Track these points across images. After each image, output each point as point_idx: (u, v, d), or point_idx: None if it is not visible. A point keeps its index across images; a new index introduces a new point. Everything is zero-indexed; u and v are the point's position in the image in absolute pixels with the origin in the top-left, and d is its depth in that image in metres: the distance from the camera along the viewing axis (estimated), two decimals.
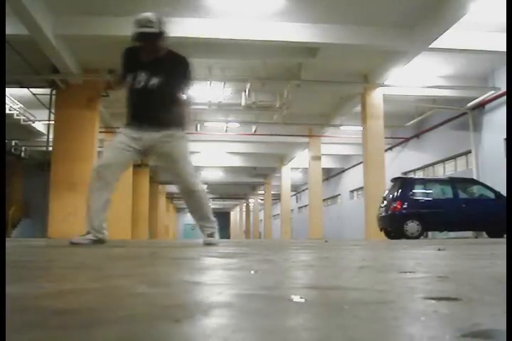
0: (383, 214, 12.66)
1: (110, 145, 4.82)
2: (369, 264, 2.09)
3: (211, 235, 4.82)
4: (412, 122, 19.68)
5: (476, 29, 12.11)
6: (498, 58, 13.30)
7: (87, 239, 4.51)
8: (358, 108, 16.60)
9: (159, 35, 4.50)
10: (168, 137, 4.60)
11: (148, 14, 4.49)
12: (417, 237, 11.85)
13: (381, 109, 15.52)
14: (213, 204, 58.92)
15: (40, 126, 20.11)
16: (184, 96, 4.83)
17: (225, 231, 62.50)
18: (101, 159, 4.78)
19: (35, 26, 10.53)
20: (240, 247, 4.49)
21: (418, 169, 22.32)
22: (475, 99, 16.44)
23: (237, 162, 28.57)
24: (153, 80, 4.57)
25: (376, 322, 0.71)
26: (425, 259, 2.52)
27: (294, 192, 39.34)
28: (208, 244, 4.68)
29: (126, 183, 20.41)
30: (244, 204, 54.73)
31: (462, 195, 12.71)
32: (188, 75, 4.69)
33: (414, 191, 12.74)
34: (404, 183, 12.88)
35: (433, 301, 0.90)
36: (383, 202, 12.88)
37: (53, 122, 14.93)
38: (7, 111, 17.34)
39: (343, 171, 31.05)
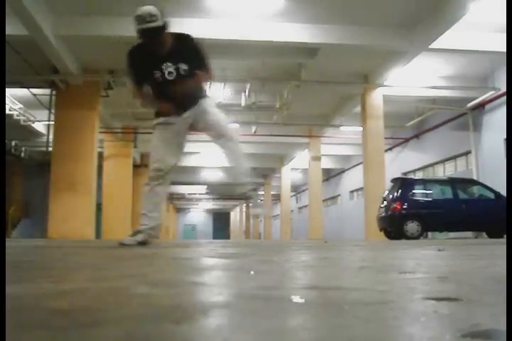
0: (383, 214, 12.65)
1: (157, 144, 4.77)
2: (369, 264, 2.09)
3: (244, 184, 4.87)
4: (412, 122, 19.68)
5: (475, 29, 12.11)
6: (498, 58, 13.31)
7: (136, 240, 4.51)
8: (358, 108, 16.60)
9: (164, 27, 4.43)
10: (201, 109, 4.73)
11: (148, 8, 4.37)
12: (417, 238, 11.84)
13: (381, 109, 15.52)
14: (213, 205, 58.95)
15: (40, 127, 20.11)
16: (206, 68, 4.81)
17: (224, 231, 62.51)
18: (156, 158, 4.75)
19: (35, 26, 10.53)
20: (240, 248, 4.49)
21: (418, 169, 22.32)
22: (475, 99, 16.44)
23: None
24: (182, 67, 4.57)
25: (376, 322, 0.71)
26: (425, 260, 2.52)
27: (293, 193, 39.32)
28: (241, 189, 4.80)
29: (126, 183, 20.42)
30: (244, 205, 54.73)
31: (462, 196, 12.71)
32: (201, 49, 4.76)
33: (414, 191, 12.73)
34: (404, 184, 12.87)
35: (433, 301, 0.90)
36: (383, 203, 12.87)
37: (53, 122, 14.93)
38: (7, 112, 17.34)
39: (343, 171, 31.05)
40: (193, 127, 4.89)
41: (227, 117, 4.98)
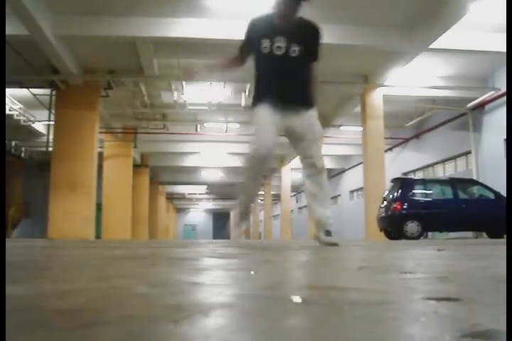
0: (383, 214, 12.66)
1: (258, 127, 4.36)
2: (369, 265, 2.09)
3: (329, 230, 4.38)
4: (412, 122, 19.68)
5: (475, 29, 12.11)
6: (498, 59, 13.31)
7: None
8: (358, 108, 16.61)
9: (302, 4, 4.27)
10: (307, 118, 4.37)
11: None
12: (417, 238, 11.85)
13: (381, 109, 15.53)
14: (213, 205, 58.97)
15: (40, 127, 20.12)
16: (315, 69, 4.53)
17: (224, 231, 62.51)
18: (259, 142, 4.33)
19: (35, 26, 10.54)
20: (240, 248, 4.49)
21: (418, 169, 22.33)
22: (475, 99, 16.44)
23: (237, 162, 28.56)
24: (293, 48, 4.33)
25: (376, 322, 0.71)
26: (425, 260, 2.52)
27: (294, 193, 39.32)
28: (329, 244, 4.29)
29: (127, 183, 20.43)
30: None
31: (462, 196, 12.71)
32: (320, 43, 4.53)
33: (414, 191, 12.74)
34: (404, 184, 12.88)
35: (433, 301, 0.90)
36: (383, 203, 12.88)
37: (53, 122, 14.94)
38: (7, 112, 17.35)
39: (343, 171, 31.06)
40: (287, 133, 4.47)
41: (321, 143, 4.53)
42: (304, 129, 4.35)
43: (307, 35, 4.45)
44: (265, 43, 4.33)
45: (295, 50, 4.32)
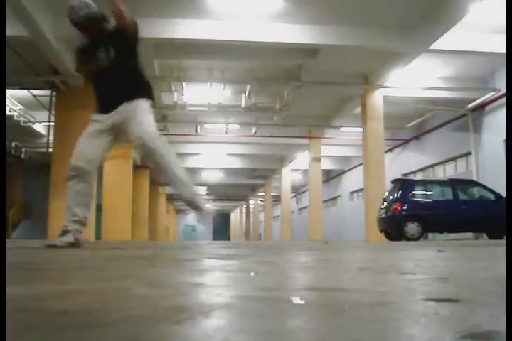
0: (383, 215, 12.65)
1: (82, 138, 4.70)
2: (369, 266, 2.09)
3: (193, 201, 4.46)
4: (412, 123, 19.68)
5: (475, 30, 12.11)
6: (498, 59, 13.31)
7: (65, 241, 4.25)
8: (358, 109, 16.61)
9: (99, 17, 4.46)
10: (129, 109, 4.46)
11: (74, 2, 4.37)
12: (417, 239, 11.84)
13: (381, 110, 15.53)
14: (213, 206, 58.96)
15: (40, 128, 20.12)
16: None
17: (225, 232, 62.49)
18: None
19: (35, 27, 10.53)
20: (240, 249, 4.49)
21: (418, 170, 22.32)
22: (475, 100, 16.44)
23: (237, 163, 28.59)
24: (111, 54, 4.50)
25: (376, 323, 0.71)
26: (425, 261, 2.52)
27: (294, 194, 39.32)
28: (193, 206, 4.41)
29: (126, 184, 20.41)
30: (245, 206, 54.75)
31: (462, 197, 12.71)
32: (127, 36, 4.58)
33: (414, 192, 12.73)
34: (404, 185, 12.87)
35: (433, 302, 0.90)
36: (383, 204, 12.87)
37: (53, 123, 14.93)
38: (7, 113, 17.34)
39: (343, 173, 31.05)
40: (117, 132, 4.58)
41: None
42: (127, 117, 4.43)
43: (118, 38, 4.52)
44: (91, 59, 4.55)
45: (112, 55, 4.49)
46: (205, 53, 13.07)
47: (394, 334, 0.66)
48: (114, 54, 4.46)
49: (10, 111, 17.64)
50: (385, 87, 15.31)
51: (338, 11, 11.31)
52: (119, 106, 4.42)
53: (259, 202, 44.81)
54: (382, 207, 12.84)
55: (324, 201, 28.63)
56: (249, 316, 0.78)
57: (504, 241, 8.18)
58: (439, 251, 3.54)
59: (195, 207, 4.46)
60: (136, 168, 23.40)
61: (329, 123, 20.28)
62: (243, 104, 17.36)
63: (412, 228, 11.93)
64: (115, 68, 4.47)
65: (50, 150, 14.94)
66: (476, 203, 12.70)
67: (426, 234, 14.48)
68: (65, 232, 4.32)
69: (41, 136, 20.45)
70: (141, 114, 4.46)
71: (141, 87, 4.60)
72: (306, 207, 32.07)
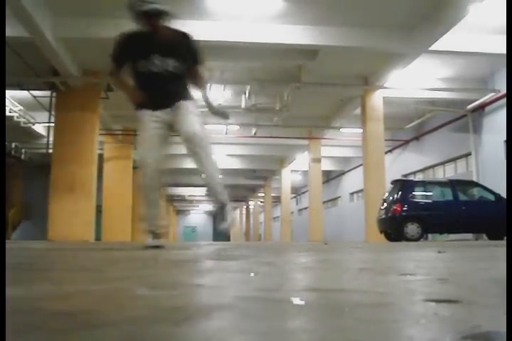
0: (383, 216, 12.65)
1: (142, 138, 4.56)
2: (369, 266, 2.09)
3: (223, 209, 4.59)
4: (412, 124, 19.68)
5: (475, 31, 12.12)
6: (498, 60, 13.31)
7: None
8: (358, 110, 16.61)
9: (168, 14, 4.35)
10: (182, 107, 4.49)
11: None
12: (417, 239, 11.84)
13: (381, 111, 15.53)
14: (214, 207, 58.91)
15: (40, 129, 20.12)
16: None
17: (225, 233, 62.35)
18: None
19: (35, 28, 10.54)
20: (240, 249, 4.49)
21: (418, 171, 22.32)
22: (475, 101, 16.44)
23: (237, 164, 28.58)
24: (171, 63, 4.43)
25: (376, 324, 0.71)
26: (425, 261, 2.52)
27: (294, 195, 39.31)
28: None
29: (127, 185, 20.41)
30: (245, 207, 54.75)
31: (462, 197, 12.70)
32: (198, 50, 4.66)
33: (414, 193, 12.72)
34: (404, 185, 12.86)
35: (433, 303, 0.90)
36: (383, 205, 12.87)
37: (53, 124, 14.93)
38: (7, 114, 17.34)
39: (343, 173, 31.05)
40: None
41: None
42: (177, 114, 4.46)
43: (181, 47, 4.51)
44: (141, 62, 4.40)
45: (171, 64, 4.42)
46: (205, 54, 13.06)
47: (394, 335, 0.66)
48: (173, 64, 4.43)
49: (10, 112, 17.64)
50: (385, 87, 15.32)
51: (338, 12, 11.31)
52: (173, 105, 4.45)
53: (259, 202, 44.78)
54: (382, 207, 12.84)
55: (324, 202, 28.63)
56: (249, 317, 0.78)
57: (504, 242, 8.17)
58: (439, 251, 3.54)
59: (223, 216, 4.52)
60: (136, 168, 23.40)
61: (329, 124, 20.27)
62: (243, 105, 17.36)
63: (412, 229, 11.93)
64: (172, 78, 4.46)
65: (50, 151, 14.94)
66: (476, 204, 12.70)
67: (426, 235, 14.47)
68: (157, 234, 4.45)
69: (41, 136, 20.45)
70: (194, 113, 4.52)
71: (189, 91, 4.63)
72: (306, 208, 32.07)
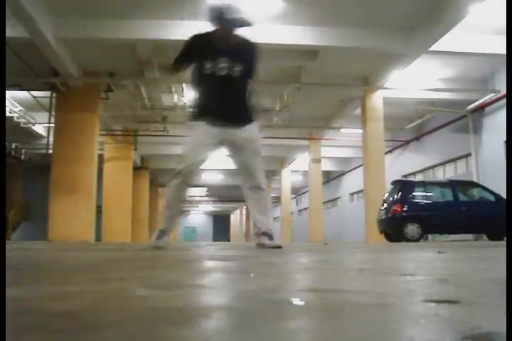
0: (383, 216, 12.65)
1: (191, 142, 4.52)
2: (369, 267, 2.09)
3: (271, 236, 4.55)
4: (412, 125, 19.69)
5: (475, 32, 12.12)
6: (498, 61, 13.32)
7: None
8: (358, 110, 16.61)
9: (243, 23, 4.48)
10: (246, 131, 4.47)
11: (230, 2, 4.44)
12: (417, 240, 11.84)
13: (381, 111, 15.53)
14: (213, 207, 58.93)
15: (40, 129, 20.12)
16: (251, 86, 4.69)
17: (225, 233, 62.45)
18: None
19: (35, 29, 10.54)
20: (240, 250, 4.49)
21: (418, 172, 22.32)
22: (475, 101, 16.45)
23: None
24: (236, 68, 4.45)
25: (376, 324, 0.71)
26: (425, 262, 2.51)
27: (294, 195, 39.31)
28: (273, 247, 4.43)
29: (127, 186, 20.42)
30: (245, 207, 54.71)
31: (462, 198, 12.70)
32: (258, 63, 4.64)
33: (414, 194, 12.73)
34: (404, 186, 12.87)
35: (433, 304, 0.90)
36: (383, 205, 12.87)
37: (53, 125, 14.94)
38: (7, 114, 17.34)
39: (343, 174, 31.05)
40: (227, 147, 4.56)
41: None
42: (243, 140, 4.47)
43: (247, 55, 4.57)
44: (208, 64, 4.42)
45: (236, 70, 4.45)
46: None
47: (394, 335, 0.66)
48: (239, 70, 4.46)
49: (10, 113, 17.64)
50: (385, 88, 15.32)
51: (338, 12, 11.31)
52: (237, 124, 4.45)
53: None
54: (382, 208, 12.84)
55: (324, 202, 28.62)
56: (249, 317, 0.78)
57: (504, 243, 8.18)
58: (439, 252, 3.54)
59: (271, 237, 4.52)
60: (136, 169, 23.40)
61: (329, 125, 20.28)
62: None
63: (412, 229, 11.93)
64: (236, 84, 4.49)
65: (50, 151, 14.95)
66: (476, 204, 12.70)
67: (426, 236, 14.47)
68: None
69: (41, 137, 20.45)
70: (259, 140, 4.59)
71: (253, 110, 4.64)
72: (306, 209, 32.07)
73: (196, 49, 4.50)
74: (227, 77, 4.41)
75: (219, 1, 4.43)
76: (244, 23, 4.42)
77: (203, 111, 4.48)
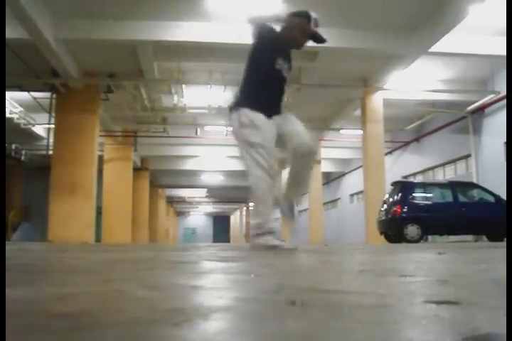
0: (383, 217, 12.65)
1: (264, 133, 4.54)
2: (369, 268, 2.09)
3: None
4: (411, 126, 19.70)
5: (475, 33, 12.13)
6: (498, 62, 13.33)
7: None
8: (358, 112, 16.62)
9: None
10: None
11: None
12: (417, 241, 11.84)
13: (381, 112, 15.54)
14: (213, 208, 58.95)
15: (40, 130, 20.13)
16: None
17: (225, 234, 62.44)
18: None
19: (35, 30, 10.55)
20: (240, 251, 4.49)
21: (418, 173, 22.33)
22: (475, 102, 16.46)
23: (237, 166, 28.54)
24: (285, 65, 4.67)
25: (376, 325, 0.71)
26: (425, 263, 2.51)
27: None
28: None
29: (127, 187, 20.42)
30: (245, 208, 54.71)
31: (462, 199, 12.71)
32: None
33: (414, 195, 12.73)
34: (404, 187, 12.87)
35: (433, 305, 0.90)
36: (383, 206, 12.87)
37: (53, 126, 14.95)
38: (7, 115, 17.36)
39: (343, 175, 31.05)
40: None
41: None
42: (282, 119, 4.67)
43: (291, 56, 4.84)
44: (280, 60, 4.61)
45: (286, 68, 4.69)
46: (205, 55, 13.08)
47: (394, 336, 0.66)
48: (288, 74, 4.76)
49: (10, 114, 17.65)
50: (385, 89, 15.33)
51: (337, 14, 11.32)
52: (277, 114, 4.65)
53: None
54: (382, 209, 12.85)
55: (324, 203, 28.62)
56: (249, 318, 0.78)
57: (504, 244, 8.17)
58: (439, 253, 3.54)
59: (292, 213, 4.81)
60: (136, 170, 23.41)
61: (329, 126, 20.28)
62: None
63: (412, 230, 11.93)
64: (284, 86, 4.79)
65: (50, 152, 14.95)
66: (476, 205, 12.71)
67: (426, 237, 14.48)
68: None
69: (41, 138, 20.47)
70: (299, 122, 4.73)
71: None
72: (306, 210, 32.06)
73: (274, 41, 4.63)
74: (285, 79, 4.69)
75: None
76: (322, 40, 4.81)
77: (259, 105, 4.55)
